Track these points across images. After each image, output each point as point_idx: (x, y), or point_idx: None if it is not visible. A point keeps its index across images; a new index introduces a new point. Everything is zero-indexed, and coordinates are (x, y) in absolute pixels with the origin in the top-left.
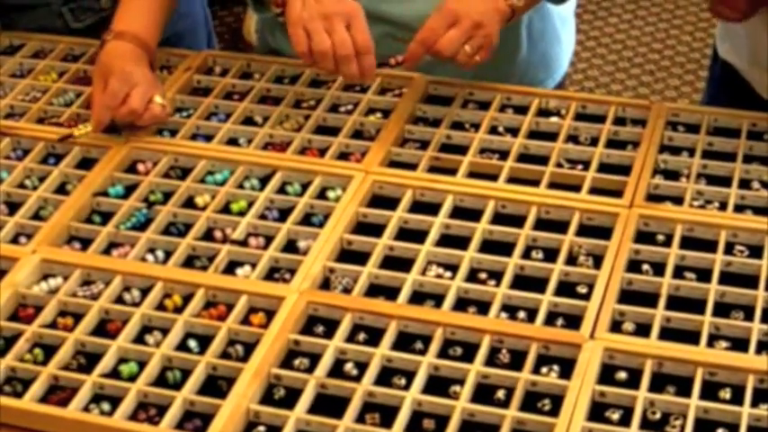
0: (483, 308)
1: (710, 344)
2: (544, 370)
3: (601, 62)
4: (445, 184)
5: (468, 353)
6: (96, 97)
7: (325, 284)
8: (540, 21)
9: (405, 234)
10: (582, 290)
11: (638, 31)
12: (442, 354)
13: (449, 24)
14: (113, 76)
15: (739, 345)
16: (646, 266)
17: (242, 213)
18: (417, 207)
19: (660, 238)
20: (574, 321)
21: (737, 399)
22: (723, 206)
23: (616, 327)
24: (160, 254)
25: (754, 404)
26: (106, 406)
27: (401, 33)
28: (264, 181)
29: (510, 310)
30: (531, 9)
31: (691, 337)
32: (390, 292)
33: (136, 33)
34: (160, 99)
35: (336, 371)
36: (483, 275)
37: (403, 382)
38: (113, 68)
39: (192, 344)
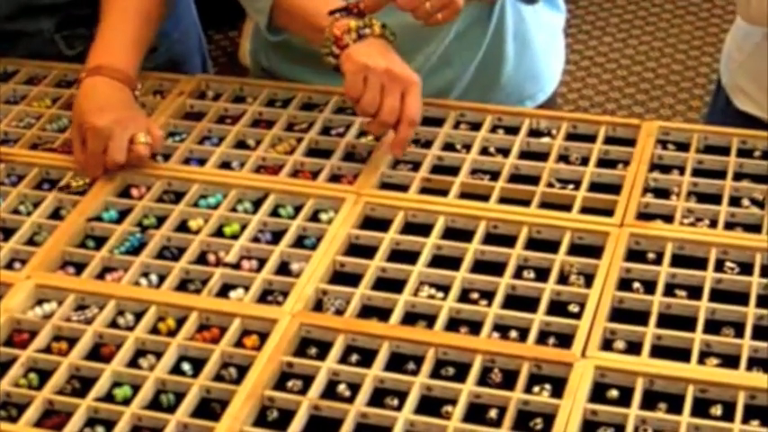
0: (475, 328)
1: (701, 361)
2: (536, 389)
3: (595, 81)
4: (437, 205)
5: (461, 373)
6: (78, 157)
7: (318, 306)
8: (528, 33)
9: (397, 255)
10: (573, 309)
11: (633, 51)
12: (435, 374)
13: None
14: (89, 134)
15: (730, 361)
16: (637, 285)
17: (235, 236)
18: (409, 228)
19: (651, 256)
20: (565, 340)
21: (729, 415)
22: (713, 224)
23: (607, 345)
24: (154, 278)
25: (746, 421)
26: (101, 430)
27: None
28: (257, 204)
29: (502, 329)
30: (519, 20)
31: (682, 354)
32: (383, 314)
33: (112, 64)
34: (143, 138)
35: (329, 392)
36: (475, 295)
37: (396, 402)
38: (86, 124)
39: (186, 367)
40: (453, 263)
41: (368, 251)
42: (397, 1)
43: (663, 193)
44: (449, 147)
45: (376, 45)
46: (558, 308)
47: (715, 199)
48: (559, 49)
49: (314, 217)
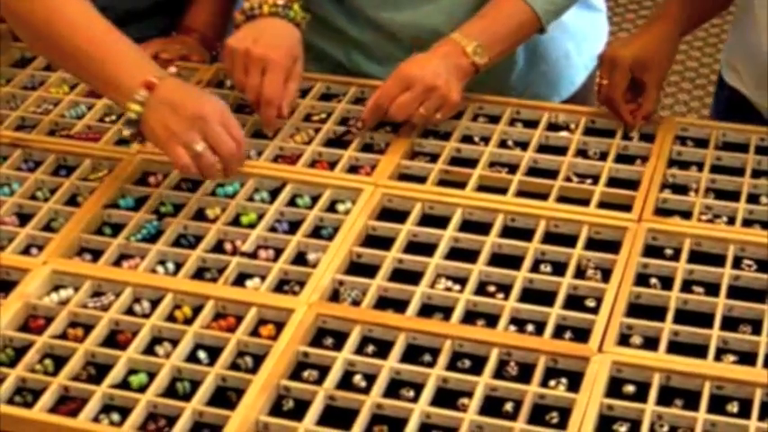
0: (491, 321)
1: (718, 357)
2: (552, 383)
3: None
4: (454, 197)
5: (477, 365)
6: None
7: (335, 297)
8: (542, 44)
9: (414, 247)
10: (590, 303)
11: None
12: (451, 366)
13: (402, 88)
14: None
15: (747, 358)
16: (654, 280)
17: (252, 226)
18: (427, 220)
19: (668, 251)
20: (582, 334)
21: (745, 412)
22: (731, 220)
23: (624, 340)
24: (170, 265)
25: (762, 418)
26: (116, 416)
27: (394, 41)
28: (274, 193)
29: (518, 323)
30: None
31: (698, 350)
32: (399, 305)
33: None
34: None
35: (345, 383)
36: (492, 288)
37: (411, 394)
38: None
39: (202, 355)
40: (470, 255)
41: (385, 242)
42: (389, 112)
43: (681, 189)
44: (467, 139)
45: (258, 26)
46: (574, 302)
47: (733, 196)
48: (589, 50)
49: (331, 207)
